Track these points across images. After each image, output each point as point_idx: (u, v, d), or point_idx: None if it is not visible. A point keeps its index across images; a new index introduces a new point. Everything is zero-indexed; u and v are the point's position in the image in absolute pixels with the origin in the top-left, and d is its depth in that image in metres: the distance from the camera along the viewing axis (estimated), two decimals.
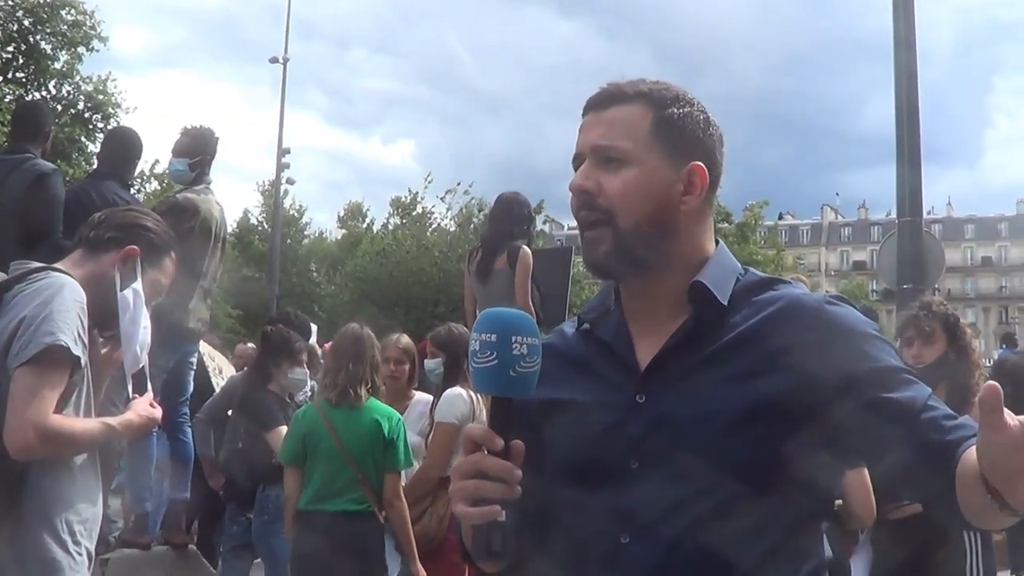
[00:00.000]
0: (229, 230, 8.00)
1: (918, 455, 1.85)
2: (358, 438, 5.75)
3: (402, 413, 6.72)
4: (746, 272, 2.14)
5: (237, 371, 9.84)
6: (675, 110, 2.08)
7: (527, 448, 1.92)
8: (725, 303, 2.03)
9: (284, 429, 6.21)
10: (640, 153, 2.05)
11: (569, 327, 2.26)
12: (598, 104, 2.12)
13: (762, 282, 2.11)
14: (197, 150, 7.16)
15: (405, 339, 6.82)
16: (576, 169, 2.13)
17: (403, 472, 5.97)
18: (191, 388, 7.15)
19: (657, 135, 2.05)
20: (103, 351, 3.49)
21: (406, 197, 43.37)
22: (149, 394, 3.67)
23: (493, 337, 1.82)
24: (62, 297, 3.20)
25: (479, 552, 1.83)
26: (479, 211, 32.88)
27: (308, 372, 6.83)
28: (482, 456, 1.85)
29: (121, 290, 3.45)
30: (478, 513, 1.83)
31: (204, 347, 7.88)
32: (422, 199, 38.37)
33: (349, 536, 5.66)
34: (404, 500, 5.78)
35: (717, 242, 2.18)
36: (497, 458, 1.84)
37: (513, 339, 1.82)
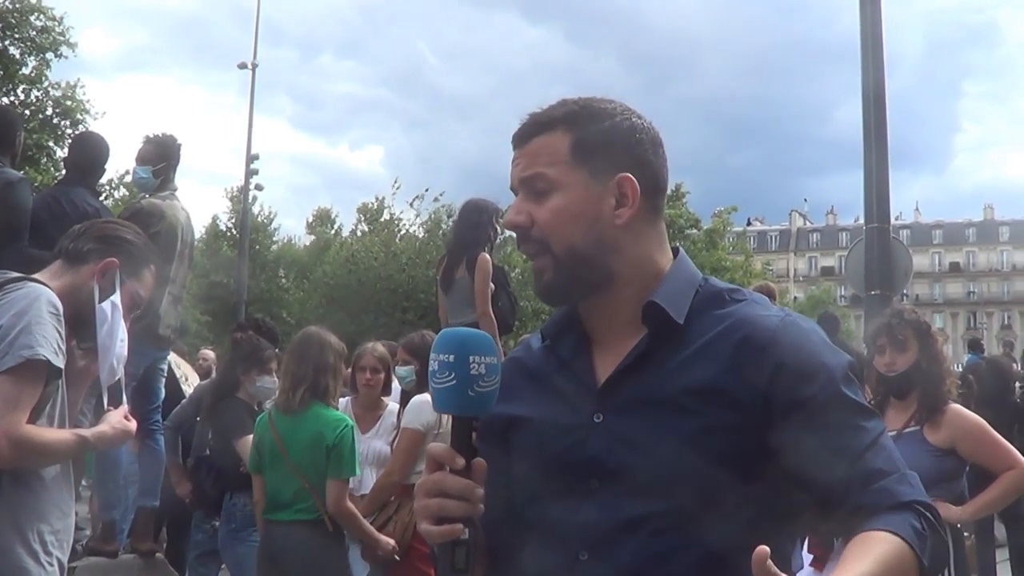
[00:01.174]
0: (197, 236, 7.98)
1: (831, 508, 1.86)
2: (301, 446, 5.67)
3: (375, 422, 6.71)
4: (706, 282, 2.13)
5: (201, 377, 9.83)
6: (592, 126, 2.07)
7: (498, 463, 1.92)
8: (680, 321, 2.02)
9: (252, 438, 6.18)
10: (562, 178, 2.05)
11: (535, 340, 2.26)
12: (520, 139, 2.12)
13: (721, 294, 2.10)
14: (161, 157, 7.13)
15: (380, 348, 6.82)
16: None
17: (352, 479, 5.90)
18: (162, 395, 7.12)
19: (576, 156, 2.05)
20: (80, 363, 3.47)
21: (373, 204, 43.26)
22: (124, 406, 3.65)
23: (451, 357, 1.82)
24: (38, 308, 3.18)
25: (444, 569, 1.84)
26: (448, 217, 32.97)
27: (277, 381, 6.80)
28: (444, 475, 1.85)
29: (99, 302, 3.44)
30: (438, 532, 1.84)
31: (171, 355, 7.84)
32: (390, 205, 38.38)
33: (303, 545, 5.61)
34: (349, 504, 5.71)
35: (676, 250, 2.17)
36: (459, 477, 1.84)
37: (471, 359, 1.83)
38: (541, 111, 2.13)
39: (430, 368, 1.85)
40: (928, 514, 1.83)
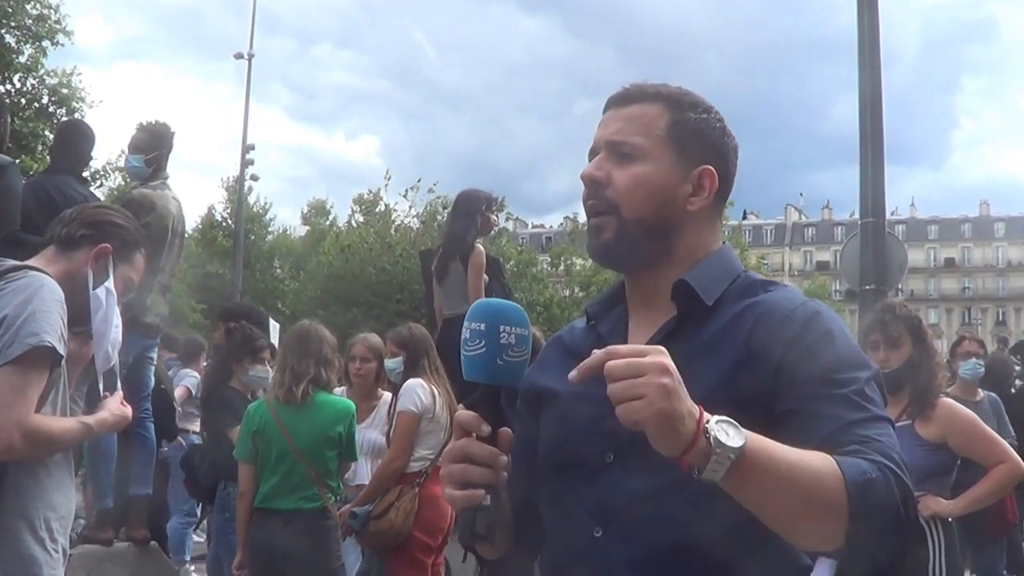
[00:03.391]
0: (192, 226, 7.99)
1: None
2: (308, 435, 5.78)
3: (370, 412, 6.74)
4: (745, 274, 2.17)
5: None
6: (692, 114, 2.14)
7: (530, 436, 1.95)
8: (710, 303, 2.06)
9: None
10: (652, 150, 2.09)
11: (580, 323, 2.30)
12: (618, 101, 2.20)
13: (755, 285, 2.14)
14: (153, 146, 7.13)
15: (373, 338, 6.85)
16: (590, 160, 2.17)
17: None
18: (152, 383, 7.12)
19: (671, 135, 2.10)
20: (70, 347, 3.48)
21: (369, 194, 43.21)
22: (120, 392, 3.67)
23: (482, 326, 1.86)
24: (42, 297, 3.19)
25: (464, 534, 1.88)
26: (444, 208, 32.91)
27: (270, 370, 6.81)
28: (470, 441, 1.89)
29: (94, 288, 3.45)
30: (462, 496, 1.87)
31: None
32: (382, 196, 38.35)
33: (303, 533, 5.67)
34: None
35: (724, 243, 2.21)
36: (484, 443, 1.87)
37: (501, 328, 1.86)
38: (645, 83, 2.17)
39: (462, 336, 1.89)
40: (889, 473, 1.83)
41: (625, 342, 2.11)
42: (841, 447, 1.82)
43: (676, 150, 2.10)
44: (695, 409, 1.69)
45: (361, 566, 6.35)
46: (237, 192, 37.48)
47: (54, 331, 3.15)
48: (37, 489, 3.29)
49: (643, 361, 1.68)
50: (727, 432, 1.69)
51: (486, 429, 1.89)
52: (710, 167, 2.11)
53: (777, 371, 1.93)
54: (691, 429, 1.67)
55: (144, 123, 7.29)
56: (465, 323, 1.90)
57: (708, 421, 1.69)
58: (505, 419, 1.94)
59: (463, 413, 1.92)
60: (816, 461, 1.77)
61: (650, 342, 2.02)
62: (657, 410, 1.66)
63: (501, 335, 1.87)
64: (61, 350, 3.17)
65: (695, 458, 1.68)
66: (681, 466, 1.70)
